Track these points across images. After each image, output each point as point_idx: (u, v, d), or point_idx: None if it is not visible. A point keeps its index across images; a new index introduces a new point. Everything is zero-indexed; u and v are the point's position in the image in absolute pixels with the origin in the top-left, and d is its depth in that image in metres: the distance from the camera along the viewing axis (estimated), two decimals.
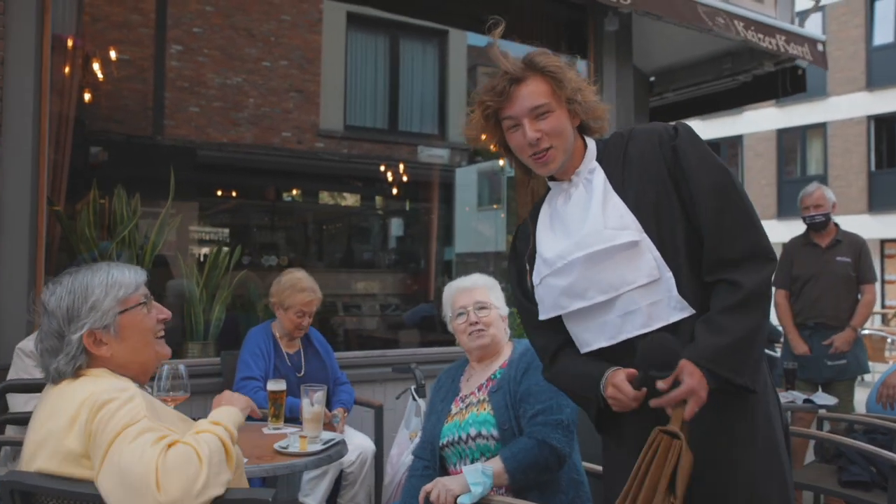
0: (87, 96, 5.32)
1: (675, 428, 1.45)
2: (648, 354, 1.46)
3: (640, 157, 1.66)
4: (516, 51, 1.74)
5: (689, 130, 1.68)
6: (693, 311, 1.57)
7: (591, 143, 1.74)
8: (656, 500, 1.42)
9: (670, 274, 1.57)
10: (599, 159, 1.71)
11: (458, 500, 2.11)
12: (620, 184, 1.65)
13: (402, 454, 3.05)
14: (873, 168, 19.35)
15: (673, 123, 1.69)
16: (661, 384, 1.47)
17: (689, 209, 1.60)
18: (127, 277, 1.63)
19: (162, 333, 1.70)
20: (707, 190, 1.58)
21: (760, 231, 1.58)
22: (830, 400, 3.96)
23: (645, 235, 1.58)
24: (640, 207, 1.60)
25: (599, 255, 1.59)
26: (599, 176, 1.67)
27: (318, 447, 2.53)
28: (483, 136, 1.74)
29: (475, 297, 2.49)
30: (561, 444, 2.21)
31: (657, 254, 1.57)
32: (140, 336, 1.63)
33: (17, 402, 2.81)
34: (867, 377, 5.59)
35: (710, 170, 1.61)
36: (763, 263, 1.55)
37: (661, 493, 1.42)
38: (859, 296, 4.61)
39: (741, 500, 1.56)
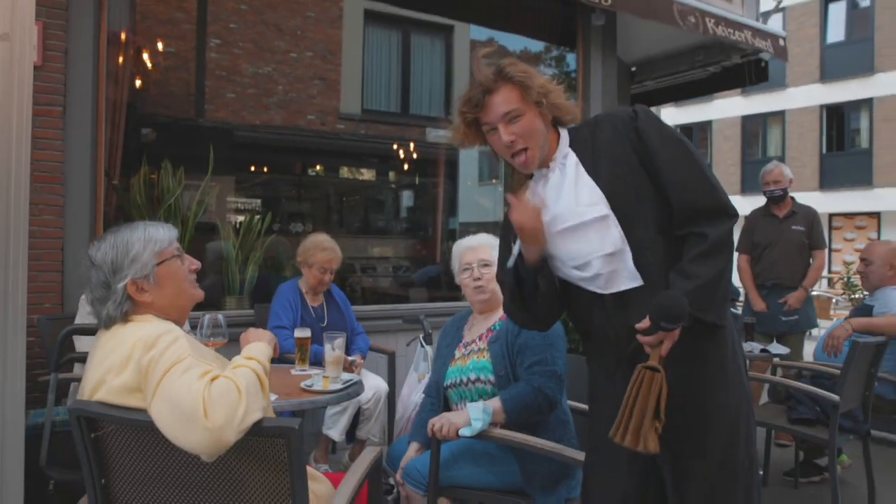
0: (138, 84, 5.28)
1: (655, 363, 1.47)
2: (661, 308, 1.46)
3: (607, 141, 1.65)
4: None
5: (647, 111, 1.67)
6: (641, 283, 1.58)
7: (564, 133, 1.72)
8: (645, 425, 1.46)
9: (628, 248, 1.58)
10: (571, 146, 1.70)
11: (460, 432, 2.13)
12: (591, 167, 1.64)
13: (411, 394, 3.07)
14: (825, 151, 19.31)
15: (633, 107, 1.68)
16: (640, 325, 1.50)
17: (655, 179, 1.60)
18: (161, 233, 1.63)
19: (194, 280, 1.70)
20: (671, 161, 1.59)
21: (720, 190, 1.60)
22: (783, 350, 3.97)
23: (611, 212, 1.58)
24: (611, 187, 1.60)
25: (574, 228, 1.61)
26: (572, 160, 1.67)
27: (339, 386, 2.55)
28: (467, 140, 1.73)
29: (479, 255, 2.49)
30: (553, 392, 2.22)
31: (621, 229, 1.58)
32: (176, 283, 1.63)
33: (82, 344, 2.84)
34: (814, 332, 5.58)
35: (670, 144, 1.61)
36: (725, 217, 1.57)
37: (648, 418, 1.45)
38: (811, 260, 4.61)
39: (717, 426, 1.58)
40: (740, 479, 1.60)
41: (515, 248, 1.70)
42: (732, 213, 1.58)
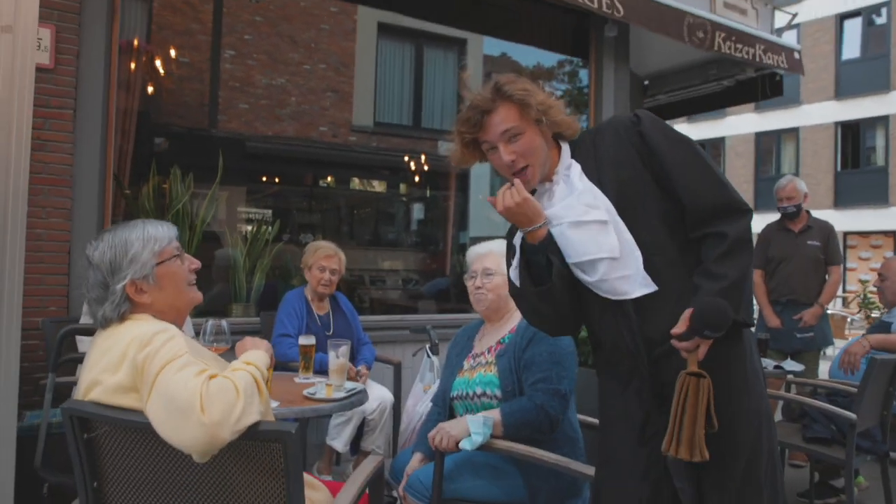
0: (152, 93, 5.32)
1: (696, 368, 1.44)
2: (706, 316, 1.42)
3: (610, 148, 1.62)
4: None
5: (649, 115, 1.64)
6: (655, 288, 1.54)
7: (565, 146, 1.69)
8: (697, 433, 1.43)
9: (639, 253, 1.54)
10: (573, 157, 1.67)
11: (460, 445, 2.08)
12: (596, 175, 1.61)
13: (416, 404, 3.01)
14: (839, 168, 19.17)
15: (634, 112, 1.65)
16: (675, 330, 1.46)
17: (664, 182, 1.57)
18: (161, 232, 1.59)
19: (194, 281, 1.66)
20: (681, 165, 1.56)
21: (730, 188, 1.57)
22: (798, 366, 3.89)
23: (616, 218, 1.55)
24: (617, 193, 1.57)
25: (575, 225, 1.58)
26: (576, 169, 1.64)
27: (342, 394, 2.51)
28: (465, 160, 1.70)
29: (484, 263, 2.45)
30: (555, 411, 2.17)
31: (627, 236, 1.55)
32: (175, 284, 1.59)
33: (85, 346, 2.81)
34: (829, 351, 5.47)
35: (678, 147, 1.58)
36: (740, 214, 1.55)
37: (700, 426, 1.43)
38: (826, 276, 4.52)
39: (740, 432, 1.54)
40: (764, 488, 1.55)
41: (517, 238, 1.65)
42: (746, 209, 1.56)
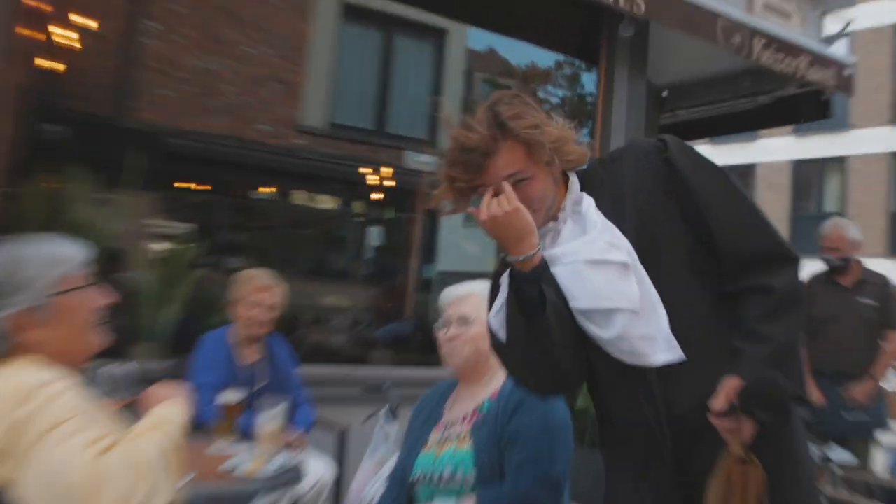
0: (46, 68, 5.24)
1: (742, 453, 1.43)
2: (755, 391, 1.43)
3: (629, 178, 1.65)
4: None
5: (678, 141, 1.67)
6: (681, 356, 1.54)
7: (573, 179, 1.71)
8: None
9: (663, 311, 1.55)
10: (583, 189, 1.68)
11: None
12: (610, 210, 1.62)
13: (364, 486, 2.94)
14: (895, 208, 19.40)
15: (659, 136, 1.68)
16: (716, 406, 1.45)
17: (693, 220, 1.59)
18: (69, 253, 1.56)
19: (103, 320, 1.62)
20: (714, 199, 1.60)
21: (773, 229, 1.61)
22: (846, 455, 3.89)
23: (637, 264, 1.56)
24: (637, 232, 1.59)
25: (592, 264, 1.57)
26: (587, 204, 1.65)
27: (271, 471, 2.44)
28: (457, 209, 1.70)
29: (462, 309, 2.41)
30: None
31: (650, 287, 1.55)
32: (78, 322, 1.55)
33: None
34: (885, 438, 5.48)
35: (711, 177, 1.62)
36: (788, 262, 1.58)
37: None
38: (882, 343, 4.54)
39: None
40: None
41: (504, 279, 1.62)
42: (795, 257, 1.59)
